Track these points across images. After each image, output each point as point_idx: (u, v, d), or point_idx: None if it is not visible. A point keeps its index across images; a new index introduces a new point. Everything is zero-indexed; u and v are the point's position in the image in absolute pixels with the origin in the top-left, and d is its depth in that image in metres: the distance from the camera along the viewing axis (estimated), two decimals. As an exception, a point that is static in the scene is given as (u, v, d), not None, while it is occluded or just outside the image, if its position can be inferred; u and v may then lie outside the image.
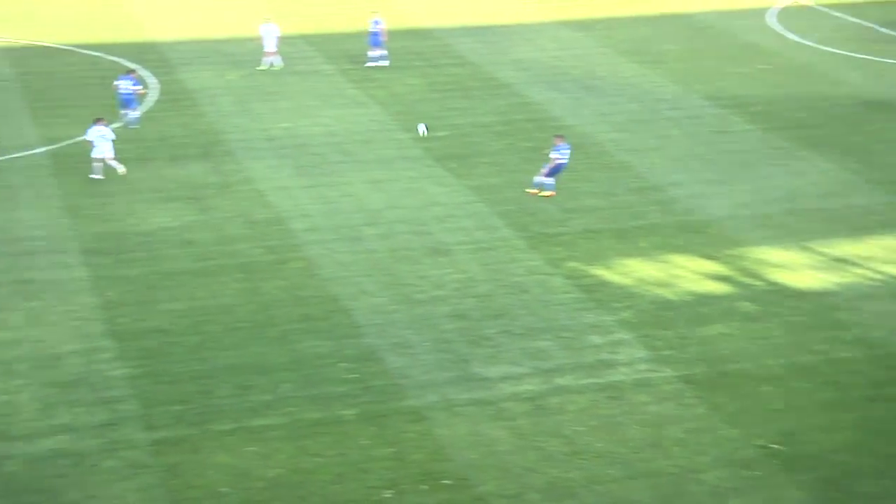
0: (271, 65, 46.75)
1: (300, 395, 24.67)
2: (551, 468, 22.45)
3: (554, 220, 33.51)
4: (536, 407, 24.43)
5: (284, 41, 49.28)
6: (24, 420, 23.60)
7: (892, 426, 23.76)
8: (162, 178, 35.99)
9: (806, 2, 60.23)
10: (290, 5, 56.36)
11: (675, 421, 23.94)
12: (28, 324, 27.35)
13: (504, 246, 31.87)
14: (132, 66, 41.68)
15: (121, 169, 35.73)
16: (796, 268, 30.68)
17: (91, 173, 35.62)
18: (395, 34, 49.51)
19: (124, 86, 40.46)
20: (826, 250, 31.70)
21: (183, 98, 43.46)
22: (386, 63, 47.79)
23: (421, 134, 39.16)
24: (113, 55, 46.44)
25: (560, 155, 34.76)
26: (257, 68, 46.65)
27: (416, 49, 50.25)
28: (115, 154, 35.78)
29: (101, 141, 35.41)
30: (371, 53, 47.96)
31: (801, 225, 33.39)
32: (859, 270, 30.58)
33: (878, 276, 30.33)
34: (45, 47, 49.07)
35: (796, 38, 53.36)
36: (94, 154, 35.45)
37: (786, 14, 57.87)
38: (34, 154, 37.39)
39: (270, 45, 46.74)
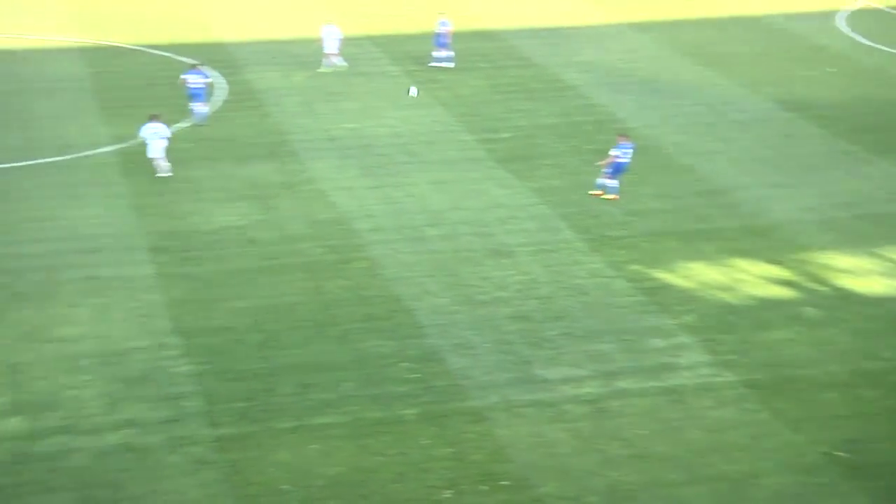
0: (334, 66, 46.93)
1: (362, 395, 24.74)
2: (611, 471, 22.32)
3: (616, 223, 33.32)
4: (597, 409, 24.30)
5: (351, 42, 49.52)
6: (90, 414, 23.90)
7: (960, 435, 23.38)
8: (227, 178, 36.28)
9: (876, 4, 59.35)
10: (358, 7, 56.59)
11: (737, 426, 23.70)
12: (95, 320, 27.68)
13: (566, 248, 31.74)
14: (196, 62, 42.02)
15: (164, 167, 36.00)
16: (863, 273, 30.24)
17: (156, 172, 36.02)
18: (460, 36, 49.52)
19: (193, 80, 40.93)
20: (894, 256, 31.20)
21: (249, 98, 43.78)
22: (451, 64, 47.81)
23: (411, 95, 39.16)
24: (182, 55, 46.89)
25: (620, 153, 34.52)
26: (318, 70, 46.83)
27: (481, 51, 50.21)
28: (165, 155, 36.10)
29: (154, 138, 35.76)
30: (436, 54, 48.02)
31: (868, 230, 32.91)
32: (928, 276, 30.12)
33: (947, 283, 29.85)
34: (116, 47, 49.69)
35: (866, 42, 52.62)
36: (150, 153, 35.84)
37: (855, 17, 57.08)
38: (103, 152, 37.86)
39: (331, 47, 46.92)
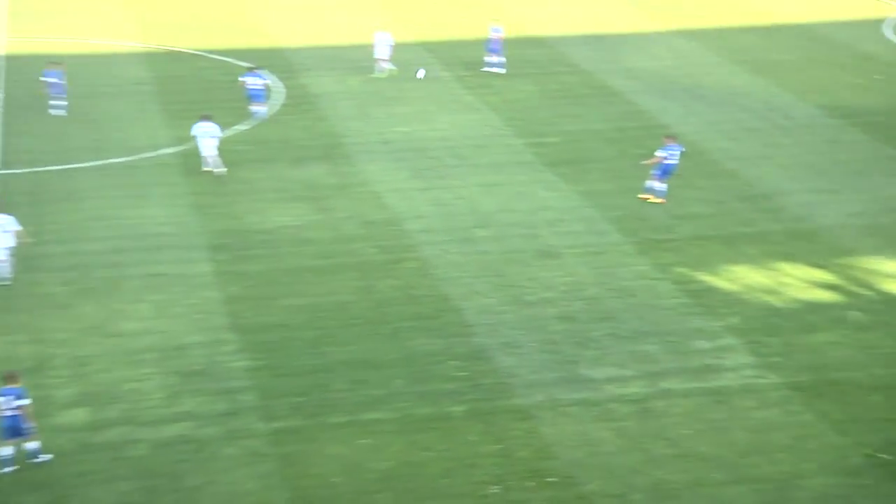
0: (384, 71, 47.03)
1: (411, 391, 24.77)
2: (656, 469, 22.18)
3: (662, 226, 33.12)
4: (642, 409, 24.16)
5: (405, 48, 49.61)
6: (150, 407, 24.11)
7: None
8: (283, 179, 36.46)
9: (922, 12, 58.59)
10: (412, 14, 56.68)
11: (781, 427, 23.47)
12: (156, 315, 27.92)
13: (613, 251, 31.59)
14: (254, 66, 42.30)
15: (210, 166, 36.28)
16: (907, 278, 29.87)
17: (212, 170, 36.33)
18: (511, 42, 49.43)
19: (251, 82, 41.43)
20: (938, 261, 30.81)
21: (305, 102, 43.98)
22: (502, 70, 47.75)
23: (418, 77, 39.12)
24: (240, 60, 47.19)
25: (666, 154, 34.31)
26: (372, 75, 46.94)
27: (531, 57, 50.10)
28: (217, 153, 36.39)
29: (205, 137, 36.06)
30: (488, 59, 48.00)
31: (913, 235, 32.50)
32: (972, 282, 29.66)
33: None
34: (178, 52, 50.10)
35: (911, 49, 51.98)
36: (202, 151, 36.17)
37: (901, 25, 56.40)
38: (165, 154, 38.18)
39: (383, 53, 47.02)
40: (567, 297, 28.90)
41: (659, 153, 34.55)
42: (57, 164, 37.23)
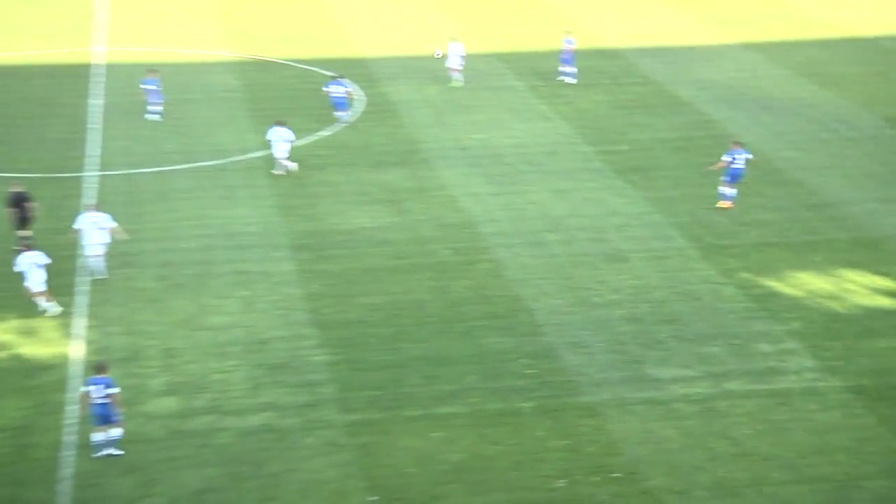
0: (460, 80, 47.09)
1: (483, 387, 24.78)
2: (718, 468, 21.96)
3: (727, 233, 32.76)
4: (705, 409, 23.93)
5: (481, 59, 49.68)
6: (235, 397, 24.39)
7: None
8: (364, 183, 36.67)
9: None
10: (489, 26, 56.68)
11: (842, 429, 23.10)
12: (242, 310, 28.24)
13: (678, 255, 31.32)
14: (337, 74, 42.62)
15: (289, 167, 36.72)
16: (969, 286, 29.22)
17: (277, 170, 36.74)
18: (583, 54, 49.23)
19: (335, 90, 41.86)
20: None
21: (385, 110, 44.18)
22: (574, 81, 47.58)
23: (436, 55, 38.99)
24: (324, 69, 47.57)
25: (732, 159, 33.93)
26: (450, 84, 47.04)
27: (603, 68, 49.85)
28: (289, 156, 36.80)
29: (279, 140, 36.49)
30: (562, 69, 47.88)
31: (976, 245, 31.79)
32: None
33: None
34: (265, 62, 50.64)
35: (977, 62, 50.81)
36: (275, 153, 36.55)
37: (967, 38, 55.17)
38: (252, 157, 38.60)
39: (455, 63, 47.06)
40: (633, 300, 28.72)
41: (725, 158, 34.23)
42: (151, 167, 37.82)
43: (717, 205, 34.13)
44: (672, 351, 26.27)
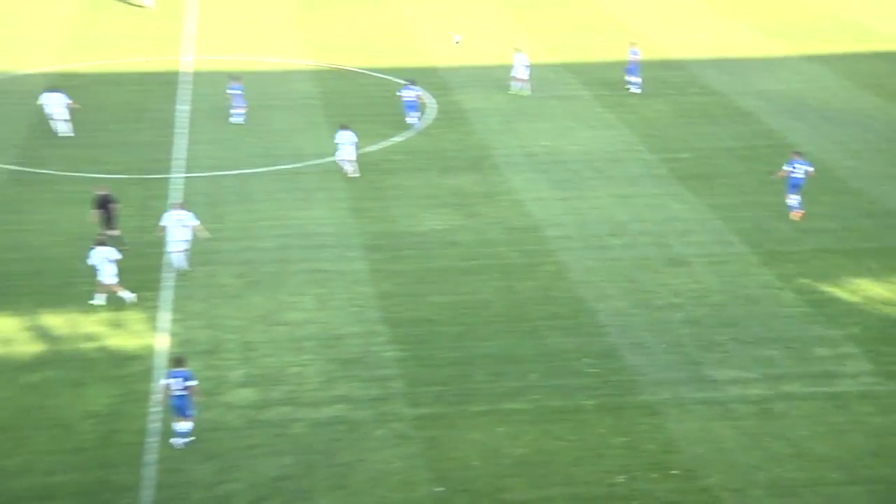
0: (521, 89, 47.01)
1: (546, 385, 24.71)
2: (775, 467, 21.67)
3: (787, 239, 32.30)
4: (763, 410, 23.63)
5: (549, 69, 49.57)
6: (310, 389, 24.59)
7: None
8: (434, 187, 36.75)
9: None
10: (557, 37, 56.46)
11: (898, 433, 22.67)
12: (317, 307, 28.45)
13: (738, 260, 30.95)
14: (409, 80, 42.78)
15: (350, 170, 36.82)
16: None
17: (351, 171, 36.95)
18: (648, 64, 48.87)
19: (406, 94, 42.08)
20: None
21: (456, 117, 44.23)
22: (639, 90, 47.24)
23: (455, 41, 38.68)
24: (400, 78, 47.76)
25: (791, 169, 33.45)
26: (519, 93, 46.96)
27: (667, 78, 49.41)
28: (356, 157, 37.05)
29: (345, 144, 36.73)
30: (628, 79, 47.59)
31: None
32: None
33: None
34: (343, 70, 50.97)
35: None
36: (338, 155, 36.81)
37: None
38: (329, 161, 38.86)
39: (521, 73, 46.96)
40: (693, 303, 28.44)
41: (786, 168, 33.76)
42: (233, 169, 38.27)
43: (790, 216, 33.55)
44: (730, 353, 25.97)
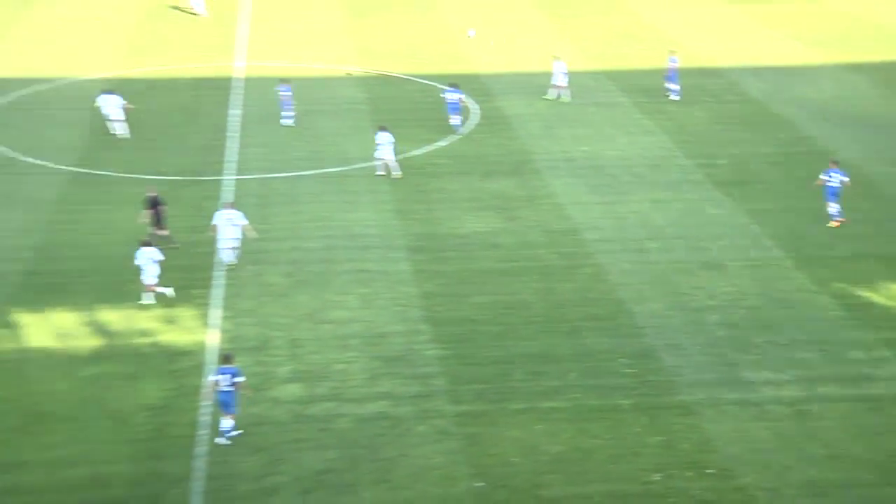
0: (559, 96, 46.86)
1: (584, 384, 24.62)
2: (809, 468, 21.44)
3: (823, 244, 31.94)
4: (797, 411, 23.38)
5: (589, 76, 49.41)
6: (354, 386, 24.67)
7: None
8: (476, 190, 36.74)
9: None
10: (597, 45, 56.24)
11: (932, 436, 22.33)
12: (362, 306, 28.54)
13: (774, 265, 30.66)
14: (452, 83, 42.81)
15: (391, 170, 36.93)
16: None
17: (376, 171, 37.03)
18: (686, 72, 48.53)
19: (450, 97, 42.28)
20: None
21: (498, 122, 44.18)
22: (677, 97, 46.94)
23: (469, 35, 38.48)
24: (444, 84, 47.78)
25: (827, 178, 33.08)
26: (559, 99, 46.83)
27: (705, 86, 49.03)
28: (395, 157, 37.25)
29: (384, 145, 36.91)
30: (667, 86, 47.31)
31: None
32: None
33: None
34: (389, 76, 51.08)
35: None
36: (377, 154, 37.03)
37: None
38: (374, 165, 38.95)
39: (560, 80, 46.82)
40: (729, 306, 28.21)
41: (822, 176, 33.41)
42: (282, 172, 38.49)
43: (829, 224, 33.14)
44: (765, 355, 25.72)
